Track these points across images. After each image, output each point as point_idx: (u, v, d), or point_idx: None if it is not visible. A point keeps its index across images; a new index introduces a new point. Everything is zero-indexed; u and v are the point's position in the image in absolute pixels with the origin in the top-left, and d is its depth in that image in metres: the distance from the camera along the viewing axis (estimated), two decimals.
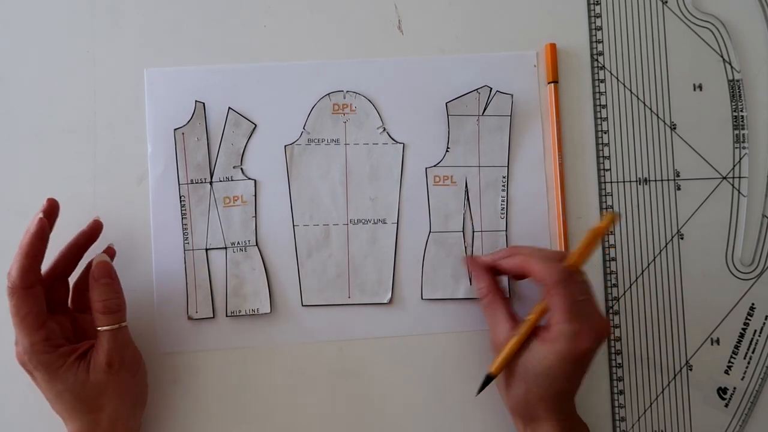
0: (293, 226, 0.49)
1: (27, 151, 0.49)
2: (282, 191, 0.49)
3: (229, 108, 0.49)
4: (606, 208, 0.50)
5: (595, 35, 0.51)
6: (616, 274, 0.49)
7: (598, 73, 0.50)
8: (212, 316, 0.48)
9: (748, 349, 0.49)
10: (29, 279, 0.40)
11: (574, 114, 0.50)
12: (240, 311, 0.48)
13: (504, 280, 0.48)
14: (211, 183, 0.49)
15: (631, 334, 0.49)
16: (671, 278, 0.49)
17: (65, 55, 0.49)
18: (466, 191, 0.49)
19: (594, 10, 0.51)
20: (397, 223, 0.49)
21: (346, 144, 0.49)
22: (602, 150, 0.50)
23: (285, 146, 0.49)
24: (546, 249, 0.47)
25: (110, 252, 0.46)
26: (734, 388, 0.49)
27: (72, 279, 0.46)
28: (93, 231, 0.46)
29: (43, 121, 0.49)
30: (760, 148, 0.50)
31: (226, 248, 0.48)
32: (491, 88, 0.49)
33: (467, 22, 0.50)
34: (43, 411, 0.43)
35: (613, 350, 0.49)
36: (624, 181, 0.50)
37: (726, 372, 0.49)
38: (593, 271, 0.49)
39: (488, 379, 0.43)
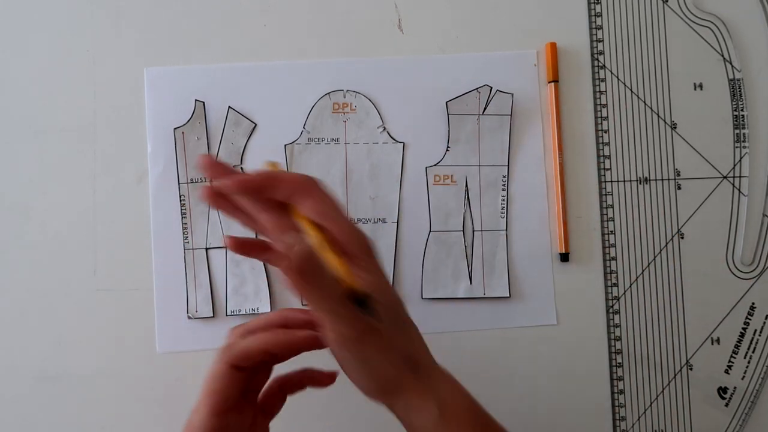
0: None
1: (27, 150, 0.49)
2: None
3: (229, 107, 0.49)
4: (606, 208, 0.50)
5: (596, 34, 0.51)
6: (616, 273, 0.49)
7: (598, 72, 0.50)
8: (212, 315, 0.48)
9: (748, 349, 0.49)
10: (246, 363, 0.34)
11: (575, 113, 0.50)
12: (240, 310, 0.48)
13: None
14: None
15: (631, 333, 0.49)
16: (671, 278, 0.49)
17: (65, 54, 0.49)
18: (467, 190, 0.49)
19: (594, 9, 0.51)
20: (397, 222, 0.49)
21: (346, 143, 0.49)
22: (602, 149, 0.50)
23: (285, 145, 0.49)
24: None
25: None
26: (734, 387, 0.49)
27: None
28: (330, 378, 0.39)
29: (43, 121, 0.49)
30: (761, 148, 0.50)
31: (226, 247, 0.48)
32: (491, 88, 0.49)
33: (467, 21, 0.50)
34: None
35: (613, 350, 0.49)
36: (624, 181, 0.50)
37: (726, 371, 0.49)
38: (593, 270, 0.49)
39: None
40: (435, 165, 0.49)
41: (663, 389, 0.49)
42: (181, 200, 0.48)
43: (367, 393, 0.34)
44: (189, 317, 0.48)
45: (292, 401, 0.39)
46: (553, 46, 0.50)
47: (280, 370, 0.38)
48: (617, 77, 0.50)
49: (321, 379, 0.39)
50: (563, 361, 0.48)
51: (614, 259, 0.49)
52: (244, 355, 0.34)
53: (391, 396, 0.34)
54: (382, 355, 0.33)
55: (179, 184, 0.48)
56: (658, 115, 0.50)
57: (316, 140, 0.49)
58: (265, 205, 0.35)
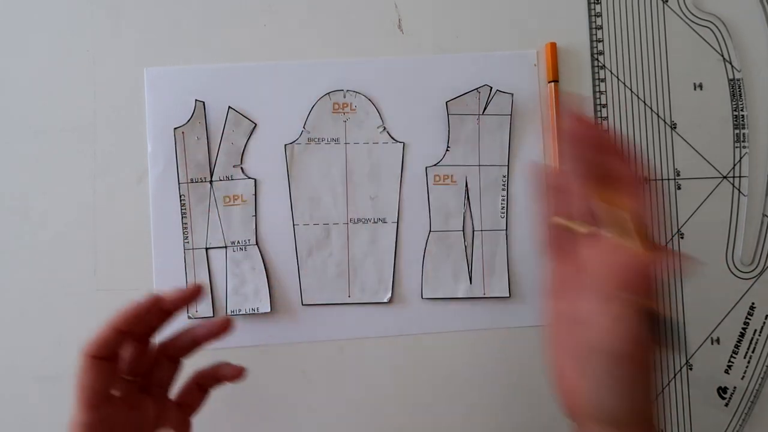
0: (293, 225, 0.49)
1: (27, 150, 0.49)
2: (282, 190, 0.49)
3: (229, 107, 0.49)
4: None
5: (596, 34, 0.51)
6: None
7: (598, 72, 0.50)
8: (212, 315, 0.48)
9: (748, 349, 0.49)
10: (103, 350, 0.34)
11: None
12: (240, 310, 0.48)
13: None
14: (211, 182, 0.49)
15: None
16: (671, 278, 0.49)
17: (65, 54, 0.49)
18: (467, 190, 0.49)
19: (594, 9, 0.51)
20: (398, 222, 0.49)
21: (346, 143, 0.49)
22: None
23: (285, 145, 0.49)
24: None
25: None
26: (734, 387, 0.49)
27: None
28: (223, 326, 0.39)
29: (43, 121, 0.49)
30: (761, 148, 0.50)
31: (226, 247, 0.48)
32: (491, 88, 0.49)
33: (467, 21, 0.50)
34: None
35: None
36: None
37: (726, 371, 0.49)
38: None
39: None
40: (435, 165, 0.49)
41: (663, 389, 0.49)
42: (181, 200, 0.48)
43: (594, 412, 0.31)
44: (189, 317, 0.48)
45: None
46: (553, 46, 0.50)
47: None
48: (617, 77, 0.50)
49: (231, 372, 0.40)
50: None
51: None
52: (97, 342, 0.34)
53: (617, 426, 0.30)
54: (646, 382, 0.30)
55: (179, 184, 0.48)
56: (657, 115, 0.50)
57: (316, 140, 0.49)
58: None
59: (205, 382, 0.41)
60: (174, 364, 0.40)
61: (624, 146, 0.32)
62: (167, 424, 0.38)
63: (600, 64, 0.50)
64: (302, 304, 0.48)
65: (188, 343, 0.39)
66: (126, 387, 0.37)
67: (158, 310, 0.37)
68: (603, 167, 0.32)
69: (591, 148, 0.32)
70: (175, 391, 0.40)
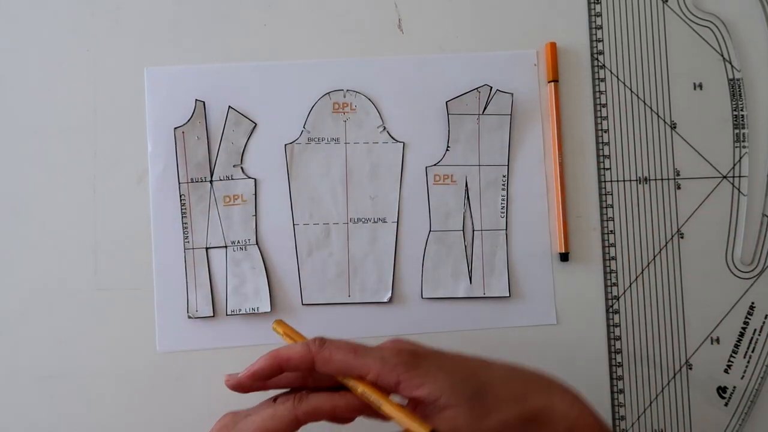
0: (293, 224, 0.49)
1: (27, 150, 0.49)
2: (282, 190, 0.49)
3: (229, 107, 0.49)
4: (606, 207, 0.50)
5: (596, 34, 0.51)
6: (616, 273, 0.49)
7: (598, 72, 0.50)
8: (212, 315, 0.48)
9: (747, 348, 0.49)
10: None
11: (574, 113, 0.50)
12: (240, 310, 0.48)
13: None
14: (211, 182, 0.49)
15: (631, 333, 0.49)
16: (671, 278, 0.49)
17: (65, 54, 0.49)
18: (466, 190, 0.49)
19: (594, 8, 0.51)
20: (397, 222, 0.49)
21: (346, 143, 0.49)
22: (602, 149, 0.50)
23: (285, 145, 0.49)
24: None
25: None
26: (734, 387, 0.49)
27: None
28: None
29: (43, 120, 0.49)
30: (761, 148, 0.50)
31: (226, 247, 0.48)
32: (491, 87, 0.49)
33: (467, 21, 0.50)
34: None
35: (613, 349, 0.49)
36: (624, 180, 0.50)
37: (726, 371, 0.49)
38: (593, 270, 0.49)
39: None
40: (435, 165, 0.49)
41: (662, 389, 0.49)
42: (181, 200, 0.48)
43: None
44: (189, 317, 0.48)
45: None
46: (553, 46, 0.50)
47: None
48: (617, 77, 0.50)
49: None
50: (563, 360, 0.48)
51: (614, 258, 0.49)
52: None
53: None
54: None
55: (179, 183, 0.48)
56: (657, 115, 0.50)
57: (316, 140, 0.49)
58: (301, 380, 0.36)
59: None
60: None
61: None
62: None
63: (600, 64, 0.50)
64: (302, 304, 0.48)
65: None
66: None
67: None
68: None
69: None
70: None
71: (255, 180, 0.49)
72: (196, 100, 0.49)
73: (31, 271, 0.48)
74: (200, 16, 0.50)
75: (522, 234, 0.49)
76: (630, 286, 0.49)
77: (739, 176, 0.50)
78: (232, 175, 0.49)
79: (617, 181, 0.50)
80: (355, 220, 0.49)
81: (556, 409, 0.32)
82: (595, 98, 0.50)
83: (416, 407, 0.33)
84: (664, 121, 0.50)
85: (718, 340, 0.49)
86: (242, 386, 0.35)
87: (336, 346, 0.34)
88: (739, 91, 0.50)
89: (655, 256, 0.49)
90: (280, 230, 0.49)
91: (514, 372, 0.35)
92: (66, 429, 0.47)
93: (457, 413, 0.31)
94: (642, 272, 0.49)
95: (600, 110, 0.50)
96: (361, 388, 0.33)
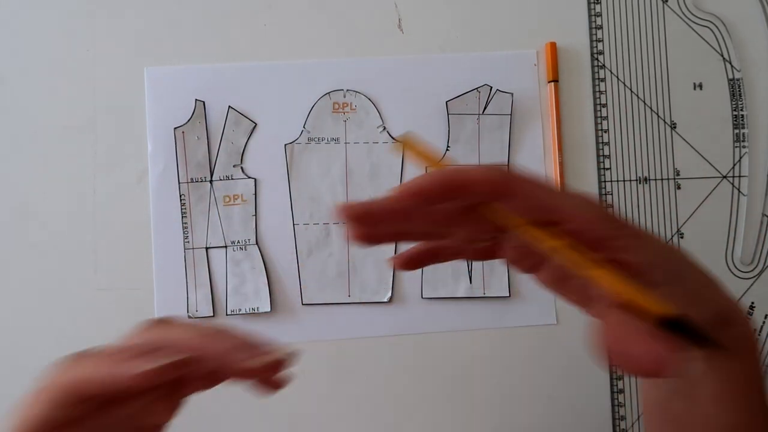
0: (293, 224, 0.49)
1: (27, 149, 0.49)
2: (282, 190, 0.49)
3: (229, 107, 0.49)
4: (606, 207, 0.50)
5: (596, 34, 0.51)
6: None
7: (598, 72, 0.50)
8: (212, 314, 0.48)
9: None
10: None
11: (574, 113, 0.50)
12: (240, 310, 0.48)
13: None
14: (211, 182, 0.49)
15: None
16: None
17: (65, 54, 0.49)
18: None
19: (594, 9, 0.51)
20: None
21: (346, 143, 0.49)
22: (602, 149, 0.50)
23: (285, 145, 0.49)
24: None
25: None
26: None
27: None
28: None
29: (44, 120, 0.49)
30: (760, 147, 0.50)
31: (226, 247, 0.48)
32: (491, 87, 0.49)
33: (467, 21, 0.50)
34: None
35: None
36: (624, 180, 0.50)
37: None
38: None
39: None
40: None
41: None
42: (181, 200, 0.48)
43: None
44: (189, 317, 0.48)
45: None
46: (553, 46, 0.50)
47: None
48: (617, 77, 0.50)
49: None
50: (563, 360, 0.48)
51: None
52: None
53: None
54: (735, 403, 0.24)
55: (179, 183, 0.48)
56: (657, 114, 0.50)
57: (316, 140, 0.49)
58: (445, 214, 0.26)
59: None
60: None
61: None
62: None
63: (600, 64, 0.50)
64: (302, 304, 0.48)
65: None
66: None
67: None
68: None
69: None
70: None
71: (255, 180, 0.49)
72: (196, 100, 0.49)
73: (31, 271, 0.48)
74: (200, 16, 0.50)
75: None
76: None
77: (739, 176, 0.50)
78: (232, 175, 0.49)
79: (617, 181, 0.50)
80: None
81: (740, 311, 0.27)
82: (595, 98, 0.50)
83: None
84: (664, 121, 0.50)
85: None
86: (394, 210, 0.25)
87: (526, 177, 0.24)
88: (739, 91, 0.50)
89: None
90: (280, 230, 0.49)
91: (696, 265, 0.28)
92: None
93: (672, 294, 0.24)
94: None
95: (600, 110, 0.50)
96: (552, 243, 0.24)
